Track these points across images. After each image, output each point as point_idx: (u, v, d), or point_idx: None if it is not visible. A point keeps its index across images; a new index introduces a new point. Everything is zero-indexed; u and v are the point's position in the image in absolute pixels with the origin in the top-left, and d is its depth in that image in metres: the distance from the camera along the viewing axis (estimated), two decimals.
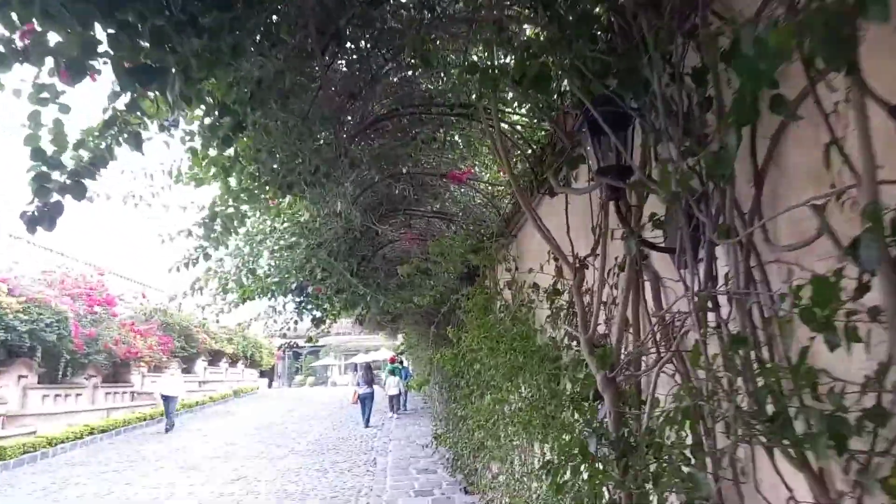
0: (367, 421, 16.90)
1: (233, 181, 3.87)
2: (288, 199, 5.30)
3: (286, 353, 43.34)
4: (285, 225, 5.60)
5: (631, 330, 2.39)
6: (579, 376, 3.38)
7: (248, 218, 4.68)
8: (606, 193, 2.28)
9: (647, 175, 2.26)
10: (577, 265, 3.01)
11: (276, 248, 5.74)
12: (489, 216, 5.90)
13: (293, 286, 6.51)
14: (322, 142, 3.67)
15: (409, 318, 11.60)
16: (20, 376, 13.72)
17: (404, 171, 5.08)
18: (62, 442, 13.75)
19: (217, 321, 6.92)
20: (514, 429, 4.42)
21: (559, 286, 3.49)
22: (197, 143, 3.24)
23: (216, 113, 2.95)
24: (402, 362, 21.12)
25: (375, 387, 18.00)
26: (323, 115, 3.23)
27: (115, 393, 18.66)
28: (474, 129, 4.68)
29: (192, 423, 18.65)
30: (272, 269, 5.89)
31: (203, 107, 3.00)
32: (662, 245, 2.13)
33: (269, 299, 6.81)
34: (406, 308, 6.02)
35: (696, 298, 1.81)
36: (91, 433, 14.87)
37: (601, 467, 2.11)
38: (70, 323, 14.11)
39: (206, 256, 4.64)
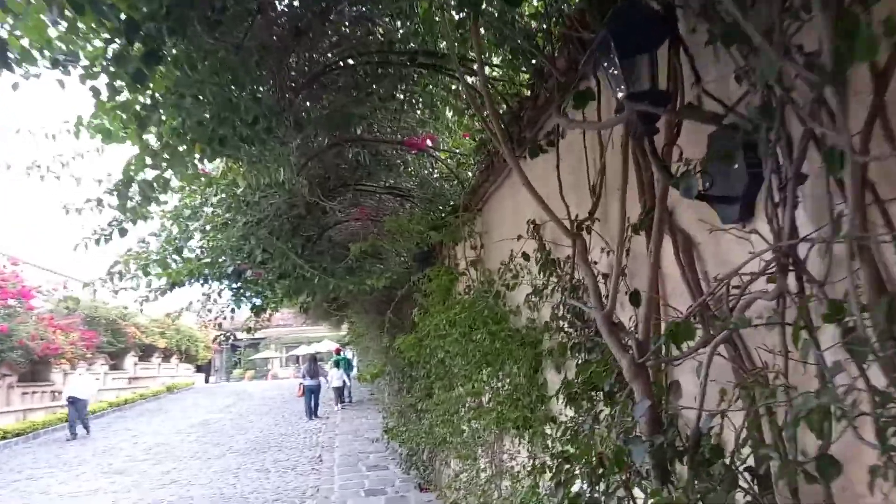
0: (316, 412, 16.59)
1: (151, 137, 3.18)
2: (220, 166, 4.60)
3: (224, 346, 41.62)
4: (218, 197, 4.86)
5: (665, 302, 1.91)
6: (571, 363, 2.91)
7: (173, 189, 3.94)
8: (638, 127, 1.77)
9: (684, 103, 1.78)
10: (576, 230, 2.52)
11: (207, 226, 4.99)
12: (450, 190, 5.37)
13: (229, 270, 5.78)
14: (261, 87, 3.03)
15: (357, 306, 10.95)
16: None
17: (358, 132, 4.46)
18: None
19: (141, 310, 6.11)
20: (484, 423, 3.93)
21: (549, 257, 2.99)
22: (101, 82, 2.53)
23: (123, 38, 2.28)
24: (343, 354, 20.41)
25: (321, 379, 17.56)
26: (262, 44, 2.60)
27: (34, 393, 17.15)
28: (438, 85, 4.12)
29: (120, 423, 17.38)
30: (204, 251, 5.14)
31: (103, 30, 2.33)
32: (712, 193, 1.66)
33: (202, 285, 6.06)
34: (359, 291, 5.40)
35: (782, 253, 1.34)
36: (3, 437, 13.53)
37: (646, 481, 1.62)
38: None
39: (122, 232, 3.90)
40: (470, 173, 5.02)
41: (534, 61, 3.19)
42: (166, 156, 3.16)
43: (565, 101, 2.42)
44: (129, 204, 3.60)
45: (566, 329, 2.89)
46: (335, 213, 7.56)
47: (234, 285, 6.67)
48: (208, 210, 4.76)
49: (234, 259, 5.85)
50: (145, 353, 26.37)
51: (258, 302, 7.23)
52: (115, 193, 3.52)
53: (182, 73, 2.55)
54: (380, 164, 5.64)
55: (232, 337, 7.38)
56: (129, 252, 4.73)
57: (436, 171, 5.66)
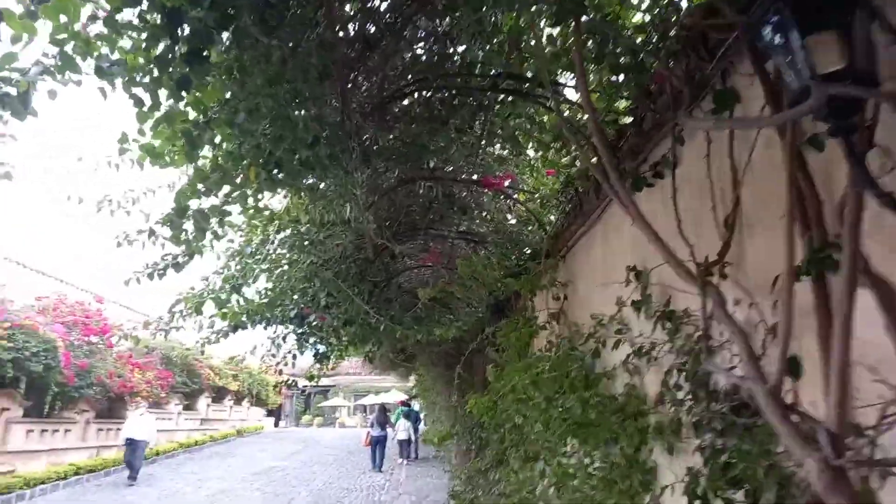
0: (381, 465, 16.13)
1: (205, 161, 2.89)
2: (283, 201, 4.33)
3: (293, 391, 41.96)
4: (282, 235, 4.58)
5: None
6: (689, 444, 2.29)
7: (231, 224, 3.65)
8: (830, 121, 1.23)
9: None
10: (705, 275, 1.96)
11: (269, 265, 4.70)
12: (529, 236, 4.87)
13: (292, 313, 5.48)
14: (324, 107, 2.70)
15: (424, 358, 10.47)
16: (1, 409, 12.67)
17: (430, 167, 4.07)
18: (42, 483, 12.60)
19: (202, 351, 5.88)
20: None
21: (663, 309, 2.42)
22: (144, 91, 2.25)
23: (165, 35, 1.98)
24: (406, 404, 19.80)
25: (388, 430, 17.15)
26: (322, 43, 2.25)
27: (109, 429, 17.48)
28: (522, 115, 3.68)
29: (188, 466, 17.39)
30: (265, 292, 4.85)
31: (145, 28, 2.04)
32: None
33: (265, 328, 5.77)
34: (427, 342, 4.94)
35: None
36: (76, 473, 13.70)
37: None
38: (59, 352, 13.10)
39: (177, 267, 3.64)
40: (552, 216, 4.51)
41: (636, 81, 2.71)
42: (217, 180, 2.85)
43: (692, 108, 1.91)
44: (182, 237, 3.32)
45: (683, 400, 2.28)
46: (404, 258, 7.23)
47: (297, 330, 6.38)
48: (270, 248, 4.48)
49: (297, 302, 5.55)
50: (218, 395, 26.76)
51: (322, 349, 6.91)
52: (168, 224, 3.25)
53: (233, 83, 2.24)
54: (453, 207, 5.23)
55: (294, 384, 7.05)
56: (192, 290, 4.49)
57: (513, 215, 5.19)
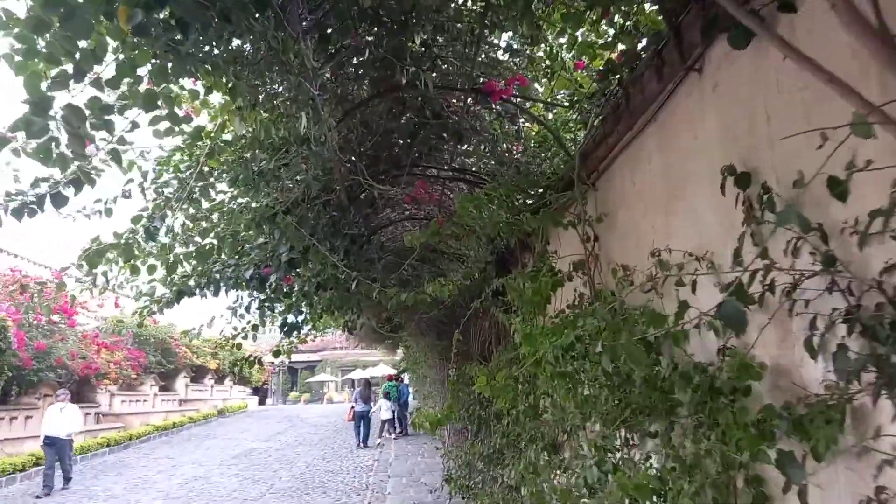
0: (366, 440, 15.87)
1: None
2: (216, 114, 3.19)
3: (278, 368, 41.02)
4: (216, 161, 3.38)
5: None
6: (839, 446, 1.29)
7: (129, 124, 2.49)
8: None
9: None
10: None
11: (203, 203, 3.53)
12: (546, 162, 3.79)
13: (247, 273, 4.38)
14: None
15: (413, 327, 9.44)
16: None
17: (411, 72, 2.96)
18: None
19: (140, 324, 4.78)
20: None
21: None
22: None
23: None
24: (401, 379, 18.91)
25: (372, 405, 16.86)
26: None
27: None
28: None
29: (163, 450, 16.38)
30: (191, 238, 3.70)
31: None
32: None
33: (216, 295, 4.66)
34: (416, 306, 3.88)
35: None
36: (36, 464, 12.60)
37: None
38: (10, 333, 11.89)
39: (59, 200, 2.52)
40: (579, 133, 3.43)
41: None
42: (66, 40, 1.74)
43: None
44: (55, 149, 2.22)
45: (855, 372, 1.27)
46: (386, 209, 6.14)
47: (258, 295, 5.29)
48: (197, 180, 3.28)
49: (253, 260, 4.46)
50: (197, 374, 25.69)
51: (292, 318, 5.83)
52: (25, 129, 2.13)
53: None
54: (445, 133, 4.13)
55: (255, 360, 5.99)
56: (96, 241, 3.29)
57: (523, 141, 4.08)
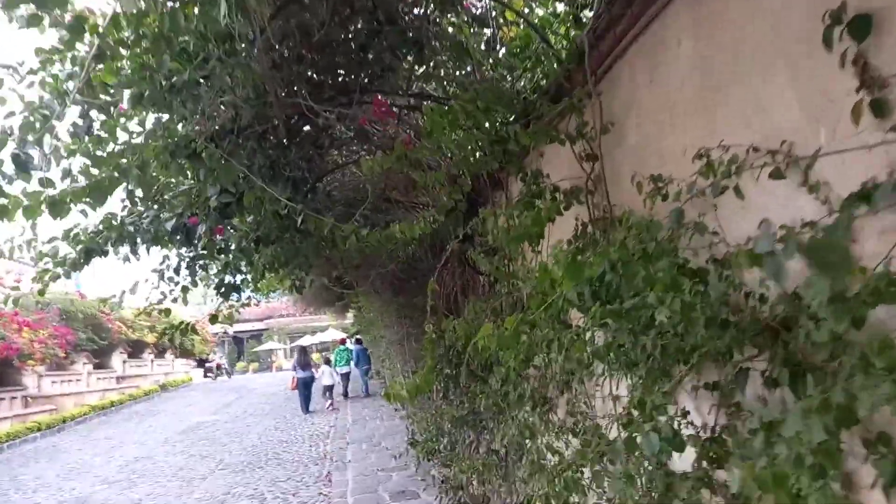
0: (307, 406, 15.90)
1: None
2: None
3: (224, 339, 39.69)
4: (108, 64, 2.54)
5: None
6: None
7: None
8: None
9: None
10: None
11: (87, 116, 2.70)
12: (531, 70, 3.16)
13: (169, 225, 3.61)
14: None
15: (367, 286, 8.76)
16: None
17: None
18: None
19: (42, 292, 3.95)
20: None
21: None
22: None
23: None
24: (359, 341, 18.34)
25: (313, 371, 16.91)
26: None
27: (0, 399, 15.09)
28: None
29: (102, 431, 15.33)
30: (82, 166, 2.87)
31: None
32: None
33: (134, 252, 3.87)
34: (384, 240, 3.22)
35: None
36: None
37: None
38: None
39: None
40: (570, 30, 2.79)
41: None
42: None
43: None
44: None
45: None
46: (332, 150, 5.40)
47: (185, 253, 4.52)
48: (75, 89, 2.42)
49: (175, 207, 3.69)
50: (135, 349, 24.30)
51: (230, 279, 5.07)
52: None
53: None
54: (405, 42, 3.42)
55: (189, 329, 5.23)
56: None
57: (496, 51, 3.42)
